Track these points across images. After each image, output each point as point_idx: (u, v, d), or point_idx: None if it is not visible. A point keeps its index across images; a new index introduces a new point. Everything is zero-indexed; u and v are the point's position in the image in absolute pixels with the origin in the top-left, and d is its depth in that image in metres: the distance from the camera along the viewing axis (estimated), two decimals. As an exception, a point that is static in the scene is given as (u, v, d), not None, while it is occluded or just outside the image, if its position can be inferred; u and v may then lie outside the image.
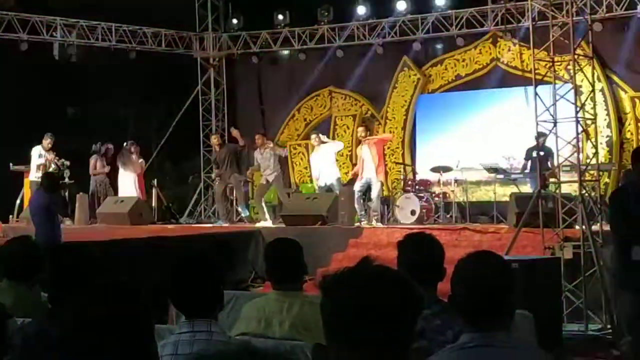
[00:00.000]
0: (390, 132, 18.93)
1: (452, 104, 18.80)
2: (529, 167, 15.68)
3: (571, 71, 11.78)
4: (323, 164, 16.90)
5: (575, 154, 11.64)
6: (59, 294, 4.10)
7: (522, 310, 5.28)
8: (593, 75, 12.43)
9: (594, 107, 12.12)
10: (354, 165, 17.03)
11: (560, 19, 12.35)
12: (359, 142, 16.94)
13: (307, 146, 19.47)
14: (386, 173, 17.54)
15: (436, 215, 16.47)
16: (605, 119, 16.67)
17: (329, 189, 16.68)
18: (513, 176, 16.20)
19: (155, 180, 19.43)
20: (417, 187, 16.82)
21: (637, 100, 16.72)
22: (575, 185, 11.69)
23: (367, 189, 16.07)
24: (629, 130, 16.77)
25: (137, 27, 19.80)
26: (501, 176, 16.49)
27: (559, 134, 11.54)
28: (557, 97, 11.56)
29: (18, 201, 17.32)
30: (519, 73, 17.40)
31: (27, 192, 16.84)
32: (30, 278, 5.23)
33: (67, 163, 16.78)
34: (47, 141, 16.98)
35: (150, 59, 20.02)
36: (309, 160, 18.73)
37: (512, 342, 3.15)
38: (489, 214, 16.43)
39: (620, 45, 16.73)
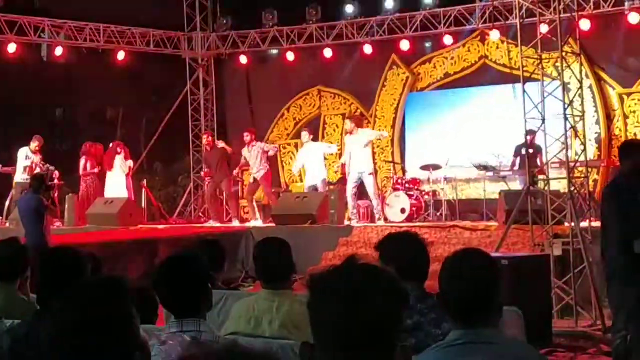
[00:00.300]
0: (379, 131, 18.91)
1: (441, 102, 18.82)
2: (518, 164, 15.72)
3: (559, 68, 11.81)
4: (310, 163, 16.90)
5: (564, 151, 11.66)
6: (47, 296, 4.11)
7: (511, 307, 5.28)
8: (581, 72, 12.46)
9: (582, 104, 12.15)
10: (344, 165, 17.00)
11: (548, 16, 12.38)
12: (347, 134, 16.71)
13: (297, 145, 19.45)
14: (376, 172, 17.56)
15: (426, 214, 16.50)
16: (593, 116, 16.71)
17: (314, 188, 16.69)
18: (502, 174, 16.23)
19: (145, 180, 19.41)
20: (407, 185, 16.83)
21: (625, 97, 16.76)
22: (565, 182, 11.74)
23: (360, 184, 16.04)
24: (617, 127, 16.81)
25: (126, 28, 19.75)
26: (491, 174, 16.52)
27: (547, 131, 11.58)
28: (546, 95, 11.60)
29: (7, 202, 17.28)
30: (508, 71, 17.43)
31: (15, 194, 16.80)
32: (18, 280, 5.24)
33: (52, 168, 16.74)
34: (34, 144, 16.94)
35: (139, 59, 19.99)
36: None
37: (500, 338, 3.17)
38: (478, 211, 16.46)
39: (608, 42, 16.78)
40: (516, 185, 15.70)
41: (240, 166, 17.99)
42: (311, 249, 13.18)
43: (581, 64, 12.65)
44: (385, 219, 16.09)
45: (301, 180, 17.99)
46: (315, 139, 17.96)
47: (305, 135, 17.42)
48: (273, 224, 15.81)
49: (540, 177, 12.22)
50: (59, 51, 18.81)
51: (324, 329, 2.11)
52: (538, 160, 14.10)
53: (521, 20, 12.52)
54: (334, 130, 19.93)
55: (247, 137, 17.28)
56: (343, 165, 16.79)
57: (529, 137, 13.32)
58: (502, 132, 16.87)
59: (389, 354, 2.12)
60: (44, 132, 17.42)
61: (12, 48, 18.07)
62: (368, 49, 19.14)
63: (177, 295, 3.91)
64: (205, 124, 21.04)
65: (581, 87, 12.09)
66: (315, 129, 19.34)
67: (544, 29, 12.48)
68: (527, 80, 11.95)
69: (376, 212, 16.24)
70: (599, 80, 16.92)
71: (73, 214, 17.02)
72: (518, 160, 15.70)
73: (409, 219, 15.90)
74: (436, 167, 17.06)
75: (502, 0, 17.14)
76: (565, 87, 11.83)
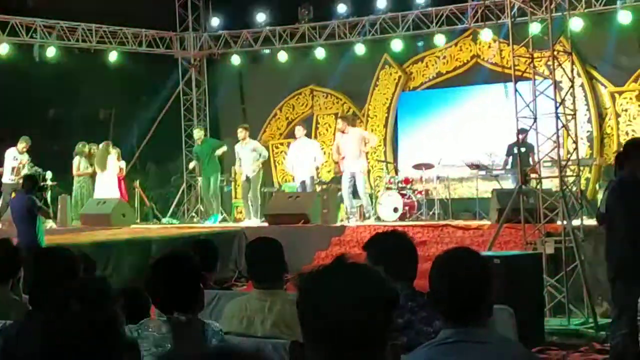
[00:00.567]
0: (372, 130, 18.91)
1: (433, 101, 18.84)
2: (510, 163, 15.74)
3: (551, 67, 11.83)
4: (300, 159, 16.93)
5: (556, 150, 11.68)
6: (39, 296, 4.11)
7: (502, 306, 5.30)
8: (572, 71, 12.48)
9: (573, 103, 12.17)
10: (337, 164, 17.02)
11: (540, 15, 12.40)
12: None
13: (290, 145, 19.44)
14: (368, 171, 17.59)
15: (418, 212, 16.51)
16: (585, 114, 16.74)
17: (302, 186, 16.74)
18: (495, 172, 16.25)
19: (138, 181, 19.39)
20: (399, 184, 16.85)
21: (617, 96, 16.80)
22: (556, 181, 11.75)
23: (354, 183, 16.08)
24: (609, 125, 16.85)
25: (118, 28, 19.74)
26: (483, 172, 16.55)
27: (539, 130, 11.60)
28: (537, 93, 11.61)
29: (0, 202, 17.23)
30: (499, 69, 17.44)
31: (4, 195, 16.77)
32: (10, 280, 5.24)
33: (40, 170, 16.71)
34: (22, 145, 16.92)
35: (131, 59, 19.97)
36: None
37: (490, 337, 3.18)
38: (471, 210, 16.48)
39: (599, 40, 16.81)
40: (508, 184, 15.71)
41: (239, 172, 17.95)
42: (304, 249, 13.19)
43: (573, 63, 12.67)
44: (378, 218, 16.12)
45: (294, 180, 17.99)
46: (308, 137, 17.96)
47: (299, 129, 17.44)
48: (266, 224, 15.82)
49: (533, 175, 12.23)
50: (51, 51, 18.79)
51: (313, 328, 2.12)
52: (530, 159, 14.12)
53: (512, 19, 12.54)
54: (327, 130, 19.94)
55: (240, 133, 17.25)
56: (337, 164, 16.83)
57: (520, 136, 13.33)
58: (495, 131, 16.88)
59: (379, 352, 2.12)
60: (36, 133, 17.39)
61: (3, 49, 18.04)
62: (360, 49, 19.15)
63: (168, 295, 3.91)
64: (198, 124, 21.03)
65: (572, 86, 12.11)
66: (308, 128, 19.32)
67: (535, 27, 12.50)
68: (518, 79, 11.96)
69: (366, 211, 16.26)
70: (590, 78, 16.96)
71: (65, 214, 17.00)
72: (510, 159, 15.73)
73: (402, 217, 15.93)
74: (429, 166, 17.08)
75: (494, -1, 17.19)
76: (556, 86, 11.85)
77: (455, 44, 18.54)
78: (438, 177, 17.14)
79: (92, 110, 19.93)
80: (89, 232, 15.20)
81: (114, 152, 18.08)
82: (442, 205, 16.77)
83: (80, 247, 11.02)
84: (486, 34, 17.54)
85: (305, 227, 14.92)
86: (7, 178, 16.69)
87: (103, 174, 17.88)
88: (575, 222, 11.43)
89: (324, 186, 17.20)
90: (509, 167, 15.76)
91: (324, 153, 17.80)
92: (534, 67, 11.86)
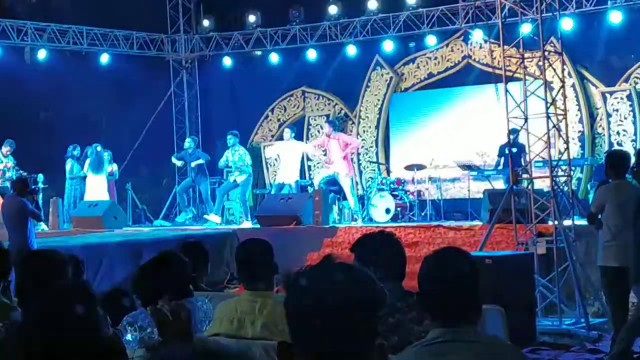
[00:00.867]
0: (364, 131, 18.90)
1: (424, 102, 18.85)
2: (502, 163, 15.76)
3: (541, 67, 11.84)
4: (285, 160, 16.94)
5: (547, 150, 11.69)
6: (25, 299, 4.09)
7: (493, 305, 5.28)
8: (563, 71, 12.49)
9: (564, 103, 12.18)
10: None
11: (530, 16, 12.42)
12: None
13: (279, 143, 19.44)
14: (360, 172, 17.59)
15: (411, 213, 16.52)
16: (576, 115, 16.77)
17: (280, 188, 16.80)
18: (486, 173, 16.26)
19: (130, 183, 19.36)
20: (391, 185, 16.85)
21: (608, 96, 16.82)
22: (548, 181, 11.76)
23: (334, 183, 16.13)
24: (600, 125, 16.88)
25: (109, 30, 19.72)
26: (475, 173, 16.57)
27: (530, 130, 11.61)
28: (528, 94, 11.63)
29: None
30: (490, 70, 17.46)
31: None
32: (1, 283, 5.21)
33: (25, 173, 16.68)
34: (6, 148, 16.91)
35: (122, 61, 19.94)
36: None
37: (480, 337, 3.17)
38: (463, 211, 16.49)
39: (590, 40, 16.85)
40: (500, 184, 15.73)
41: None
42: (296, 250, 13.15)
43: (563, 63, 12.69)
44: (370, 219, 16.14)
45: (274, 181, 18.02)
46: (298, 140, 17.96)
47: (287, 132, 17.44)
48: (258, 225, 15.82)
49: (524, 175, 12.24)
50: (42, 54, 18.75)
51: (301, 328, 2.11)
52: (522, 160, 14.13)
53: (503, 20, 12.54)
54: (318, 132, 19.91)
55: (230, 139, 17.24)
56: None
57: (511, 136, 13.35)
58: (486, 132, 16.90)
59: (366, 352, 2.11)
60: (27, 135, 17.35)
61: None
62: (351, 50, 19.17)
63: (158, 297, 3.91)
64: (190, 126, 21.02)
65: (563, 86, 12.13)
66: (299, 129, 19.33)
67: (526, 28, 12.52)
68: (509, 79, 11.97)
69: (353, 212, 16.29)
70: (581, 78, 17.00)
71: (57, 217, 16.96)
72: (502, 159, 15.74)
73: (394, 219, 15.93)
74: (420, 167, 17.10)
75: (485, -1, 17.21)
76: (547, 86, 11.86)
77: (447, 45, 18.56)
78: (430, 178, 17.16)
79: (83, 113, 19.88)
80: (81, 234, 15.17)
81: (105, 155, 18.05)
82: (434, 206, 16.79)
83: (71, 249, 10.99)
84: (477, 35, 17.56)
85: (297, 229, 14.90)
86: None
87: (95, 177, 17.84)
88: (567, 222, 11.45)
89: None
90: (500, 167, 15.77)
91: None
92: (525, 67, 11.88)
